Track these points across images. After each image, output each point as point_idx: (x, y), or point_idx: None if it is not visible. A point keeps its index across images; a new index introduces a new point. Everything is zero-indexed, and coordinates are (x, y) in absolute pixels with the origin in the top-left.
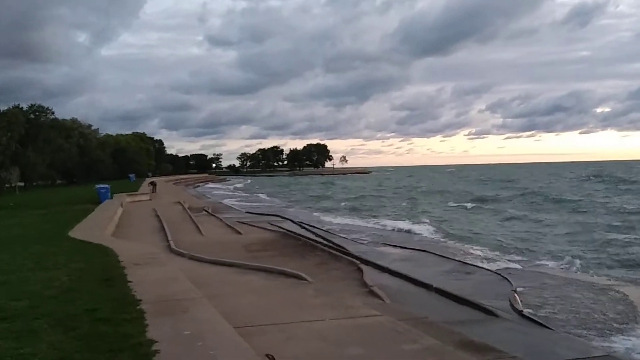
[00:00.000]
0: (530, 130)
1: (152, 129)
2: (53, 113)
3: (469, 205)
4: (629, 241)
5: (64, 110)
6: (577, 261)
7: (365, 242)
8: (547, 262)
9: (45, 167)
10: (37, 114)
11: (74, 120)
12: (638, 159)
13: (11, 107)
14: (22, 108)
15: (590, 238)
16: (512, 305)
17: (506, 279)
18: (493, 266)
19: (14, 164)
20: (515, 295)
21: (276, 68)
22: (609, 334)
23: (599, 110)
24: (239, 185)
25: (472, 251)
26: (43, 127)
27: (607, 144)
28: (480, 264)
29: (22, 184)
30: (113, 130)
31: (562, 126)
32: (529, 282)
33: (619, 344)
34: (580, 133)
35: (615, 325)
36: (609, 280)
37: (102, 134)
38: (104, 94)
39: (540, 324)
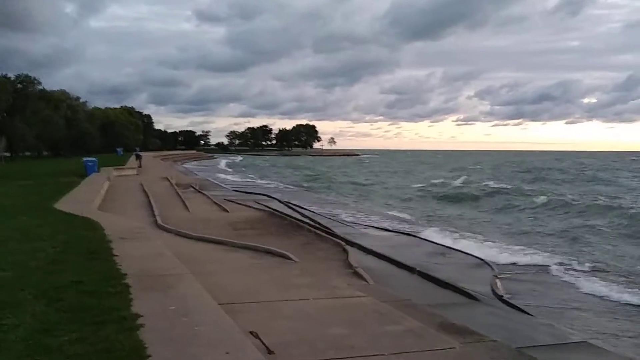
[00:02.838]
0: (517, 119)
1: (140, 103)
2: (40, 84)
3: None
4: None
5: (50, 81)
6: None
7: (350, 223)
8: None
9: (33, 138)
10: (25, 84)
11: (62, 92)
12: (621, 150)
13: None
14: (9, 78)
15: None
16: (493, 291)
17: (488, 264)
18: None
19: (0, 134)
20: (497, 280)
21: (265, 46)
22: (586, 320)
23: (585, 100)
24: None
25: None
26: (31, 97)
27: (592, 135)
28: (464, 249)
29: (8, 154)
30: (100, 103)
31: (548, 115)
32: (510, 268)
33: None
34: (566, 123)
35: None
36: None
37: (90, 107)
38: (91, 66)
39: (521, 310)
